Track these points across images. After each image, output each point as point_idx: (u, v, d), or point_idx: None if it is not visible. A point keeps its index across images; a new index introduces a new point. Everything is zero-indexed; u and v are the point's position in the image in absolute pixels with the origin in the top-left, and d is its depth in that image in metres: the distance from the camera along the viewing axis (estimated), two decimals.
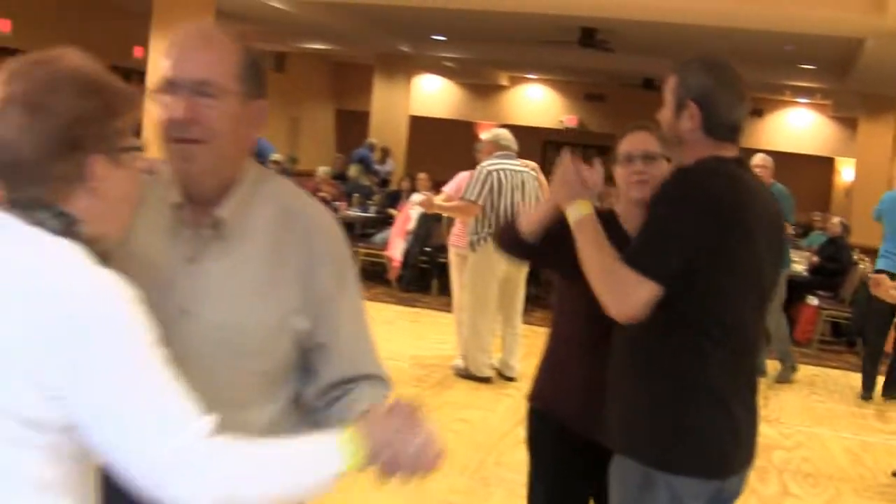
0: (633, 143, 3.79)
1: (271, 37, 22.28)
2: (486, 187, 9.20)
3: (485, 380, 9.40)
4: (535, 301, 10.93)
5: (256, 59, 2.41)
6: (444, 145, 28.62)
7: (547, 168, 9.80)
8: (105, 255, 1.96)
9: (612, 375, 3.38)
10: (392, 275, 14.35)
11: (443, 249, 14.42)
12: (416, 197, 14.86)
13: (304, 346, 2.44)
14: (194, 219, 2.38)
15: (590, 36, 18.07)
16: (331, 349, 2.47)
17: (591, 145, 28.84)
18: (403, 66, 25.12)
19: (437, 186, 13.48)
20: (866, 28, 13.18)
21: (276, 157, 18.18)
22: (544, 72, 28.34)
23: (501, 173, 9.26)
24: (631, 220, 3.74)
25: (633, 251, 3.13)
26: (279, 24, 19.80)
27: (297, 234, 2.44)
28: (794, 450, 8.29)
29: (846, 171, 27.23)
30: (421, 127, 26.99)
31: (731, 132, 3.31)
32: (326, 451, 2.01)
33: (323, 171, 17.99)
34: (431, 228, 14.32)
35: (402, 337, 11.15)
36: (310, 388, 2.50)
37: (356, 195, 17.13)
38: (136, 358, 1.86)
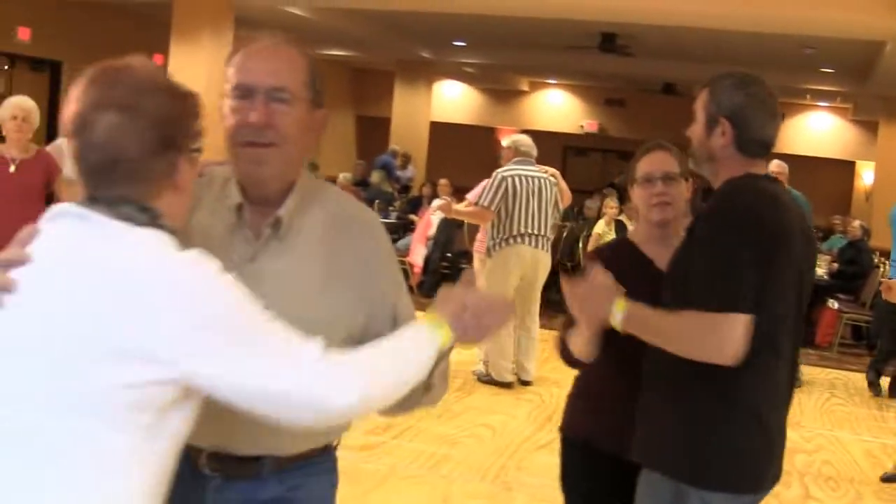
0: (652, 163, 3.74)
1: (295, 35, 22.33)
2: (500, 193, 9.24)
3: (506, 385, 9.44)
4: (556, 306, 10.94)
5: (319, 70, 2.55)
6: (465, 151, 28.60)
7: (567, 173, 9.83)
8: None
9: (646, 390, 3.33)
10: (413, 281, 14.35)
11: (464, 255, 14.48)
12: (437, 202, 14.91)
13: (359, 339, 2.48)
14: (253, 220, 2.50)
15: (610, 41, 18.09)
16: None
17: (611, 150, 28.90)
18: (424, 72, 25.14)
19: (457, 192, 13.52)
20: (886, 31, 13.14)
21: None
22: (564, 77, 28.31)
23: (516, 179, 9.29)
24: (651, 243, 3.73)
25: (707, 291, 3.03)
26: (299, 32, 19.83)
27: (351, 234, 2.57)
28: (814, 453, 8.30)
29: (867, 175, 27.12)
30: (441, 132, 26.98)
31: (762, 149, 3.26)
32: (422, 339, 2.29)
33: (344, 177, 18.04)
34: (452, 234, 14.35)
35: None
36: None
37: (378, 201, 17.17)
38: (242, 312, 2.04)
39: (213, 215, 2.50)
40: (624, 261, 3.30)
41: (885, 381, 10.92)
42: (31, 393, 1.95)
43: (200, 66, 14.44)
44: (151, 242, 2.03)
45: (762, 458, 3.21)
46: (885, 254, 13.83)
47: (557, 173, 9.72)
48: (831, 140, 27.39)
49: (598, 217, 13.74)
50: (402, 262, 14.56)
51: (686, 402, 3.18)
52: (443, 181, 15.67)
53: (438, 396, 2.70)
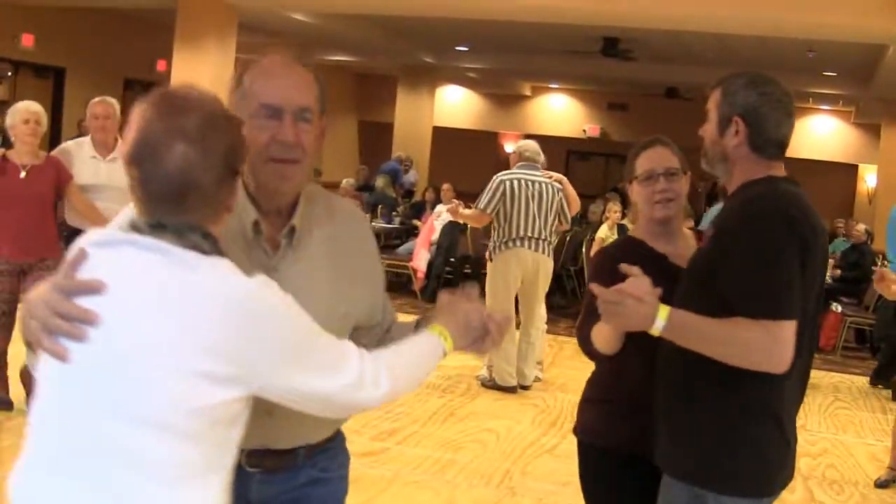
0: (653, 159, 3.70)
1: (294, 49, 22.29)
2: (497, 196, 9.27)
3: (510, 389, 9.43)
4: (559, 311, 10.96)
5: (323, 80, 2.72)
6: (468, 156, 28.65)
7: (570, 177, 9.82)
8: None
9: (664, 395, 3.29)
10: (416, 286, 14.38)
11: (467, 260, 14.47)
12: (441, 208, 14.91)
13: (365, 325, 2.84)
14: (268, 232, 2.65)
15: (612, 45, 18.12)
16: (384, 317, 2.95)
17: (613, 154, 28.91)
18: (427, 77, 25.19)
19: (459, 197, 13.53)
20: (889, 34, 13.15)
21: None
22: (567, 81, 28.33)
23: (515, 182, 9.31)
24: (655, 240, 3.69)
25: (751, 299, 2.96)
26: (302, 37, 19.87)
27: (350, 230, 2.84)
28: (819, 456, 8.30)
29: (869, 178, 27.13)
30: (444, 137, 27.01)
31: (777, 149, 3.23)
32: (434, 343, 2.60)
33: (347, 182, 18.05)
34: (456, 239, 14.35)
35: None
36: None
37: (381, 206, 17.17)
38: (304, 330, 2.28)
39: (226, 232, 2.56)
40: (637, 259, 3.17)
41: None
42: (123, 415, 2.09)
43: (204, 72, 14.46)
44: (226, 270, 2.19)
45: (781, 461, 3.19)
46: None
47: (564, 179, 9.67)
48: (834, 143, 27.41)
49: (601, 221, 13.75)
50: (405, 268, 14.58)
51: (708, 408, 3.14)
52: (446, 186, 15.64)
53: None
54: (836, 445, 8.76)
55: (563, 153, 28.86)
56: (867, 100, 22.30)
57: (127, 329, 2.09)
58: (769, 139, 3.20)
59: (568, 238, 13.94)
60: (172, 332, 2.08)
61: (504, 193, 9.26)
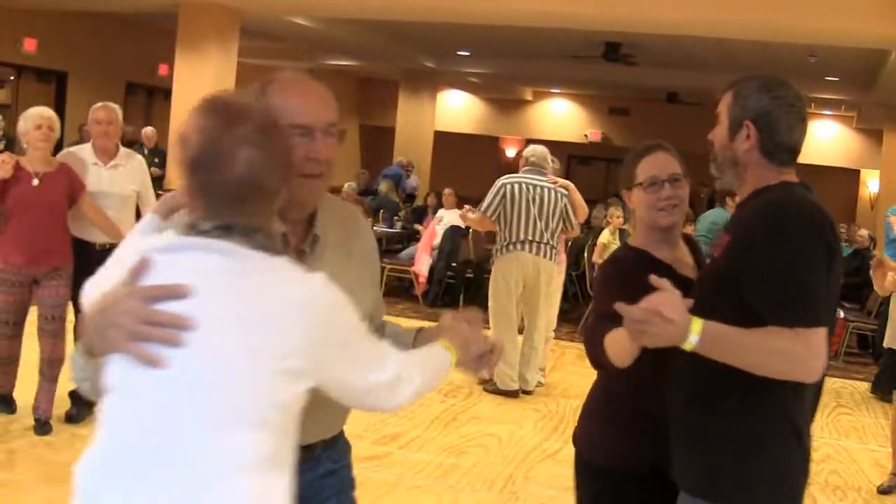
0: (656, 165, 3.60)
1: (295, 53, 22.38)
2: (497, 199, 9.33)
3: (512, 394, 9.43)
4: (561, 315, 10.94)
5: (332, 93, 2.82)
6: (469, 160, 28.67)
7: (571, 182, 9.81)
8: None
9: (681, 407, 3.19)
10: (418, 290, 14.38)
11: (469, 265, 14.47)
12: (442, 212, 14.91)
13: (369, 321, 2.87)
14: (294, 241, 2.75)
15: (614, 50, 18.12)
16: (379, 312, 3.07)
17: (615, 159, 28.89)
18: (428, 82, 25.22)
19: (461, 201, 13.52)
20: (891, 40, 13.16)
21: None
22: (568, 86, 28.36)
23: (515, 186, 9.33)
24: (658, 248, 3.59)
25: (783, 308, 2.87)
26: (303, 41, 19.91)
27: (357, 232, 2.98)
28: (821, 462, 8.27)
29: (871, 183, 27.14)
30: (445, 142, 27.02)
31: (789, 154, 3.16)
32: (442, 355, 2.74)
33: (349, 186, 18.05)
34: (458, 244, 14.35)
35: None
36: None
37: (383, 210, 17.17)
38: (358, 326, 2.44)
39: None
40: (642, 269, 3.05)
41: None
42: (213, 415, 2.18)
43: (206, 76, 14.48)
44: (293, 270, 2.31)
45: (802, 476, 3.16)
46: None
47: (571, 185, 9.62)
48: (836, 148, 27.41)
49: (603, 226, 13.73)
50: (407, 272, 14.58)
51: (730, 425, 3.06)
52: (447, 190, 15.65)
53: None
54: (839, 451, 8.76)
55: (564, 158, 28.77)
56: (869, 105, 22.32)
57: (214, 332, 2.17)
58: (781, 144, 3.13)
59: (570, 243, 13.93)
60: (256, 334, 2.19)
61: (504, 196, 9.29)
